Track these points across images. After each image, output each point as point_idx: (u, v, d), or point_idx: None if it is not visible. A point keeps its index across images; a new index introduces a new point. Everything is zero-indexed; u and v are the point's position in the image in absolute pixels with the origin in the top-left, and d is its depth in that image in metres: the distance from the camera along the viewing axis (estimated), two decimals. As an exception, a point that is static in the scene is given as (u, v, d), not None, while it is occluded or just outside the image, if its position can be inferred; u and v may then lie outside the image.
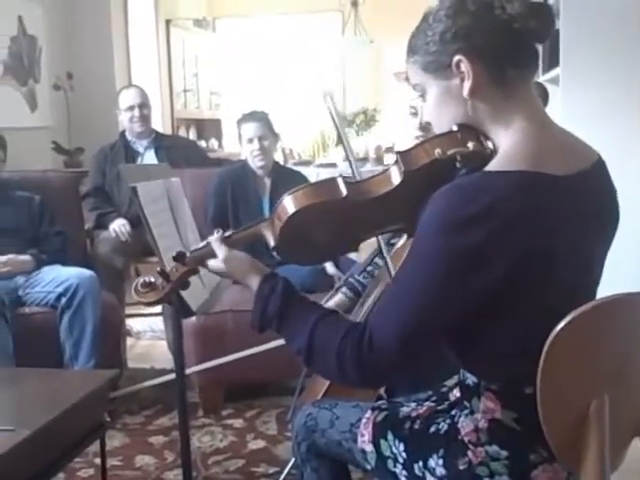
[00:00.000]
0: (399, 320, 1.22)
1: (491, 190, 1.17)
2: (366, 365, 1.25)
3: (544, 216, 1.20)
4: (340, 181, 1.40)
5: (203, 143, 7.28)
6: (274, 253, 1.47)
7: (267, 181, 3.65)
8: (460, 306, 1.21)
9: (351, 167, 1.91)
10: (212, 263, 1.51)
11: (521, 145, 1.25)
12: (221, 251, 1.48)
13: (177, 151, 4.37)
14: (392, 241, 2.35)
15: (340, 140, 1.94)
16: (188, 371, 2.69)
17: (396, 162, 1.37)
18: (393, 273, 1.89)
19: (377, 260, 2.36)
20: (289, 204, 1.40)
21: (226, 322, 3.15)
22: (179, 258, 1.54)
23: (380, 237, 2.01)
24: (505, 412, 1.32)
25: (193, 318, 2.97)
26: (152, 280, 1.53)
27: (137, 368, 3.81)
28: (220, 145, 7.90)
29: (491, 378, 1.32)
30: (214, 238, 1.50)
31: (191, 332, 3.10)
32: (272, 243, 1.45)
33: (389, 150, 6.46)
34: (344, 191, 1.39)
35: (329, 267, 3.44)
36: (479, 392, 1.34)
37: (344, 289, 2.46)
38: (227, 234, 1.51)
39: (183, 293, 1.99)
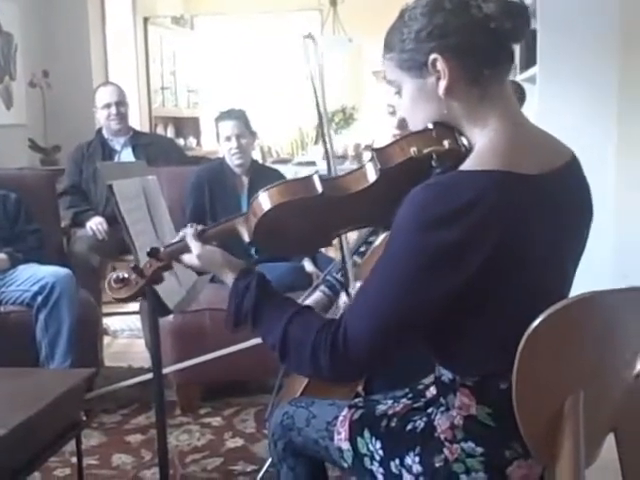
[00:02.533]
0: (373, 315, 1.23)
1: (465, 190, 1.18)
2: (340, 359, 1.26)
3: (517, 215, 1.20)
4: (316, 178, 1.41)
5: (181, 141, 7.26)
6: (252, 249, 1.48)
7: (245, 179, 3.64)
8: (434, 303, 1.22)
9: (327, 161, 1.92)
10: (186, 258, 1.51)
11: (494, 144, 1.26)
12: (195, 246, 1.49)
13: (155, 149, 4.36)
14: (370, 239, 2.35)
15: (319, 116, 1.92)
16: (165, 370, 2.68)
17: (372, 159, 1.37)
18: (352, 278, 1.88)
19: (355, 258, 2.36)
20: (264, 201, 1.40)
21: (203, 321, 3.15)
22: (153, 253, 1.54)
23: (345, 244, 2.01)
24: (480, 407, 1.33)
25: (170, 317, 2.96)
26: (125, 276, 1.54)
27: (114, 367, 3.78)
28: (198, 143, 7.88)
29: (466, 374, 1.33)
30: (188, 233, 1.50)
31: (168, 331, 3.08)
32: (247, 239, 1.46)
33: (368, 148, 6.48)
34: (320, 188, 1.39)
35: (307, 265, 3.44)
36: (454, 388, 1.35)
37: (322, 287, 2.46)
38: (201, 229, 1.51)
39: (160, 292, 1.98)
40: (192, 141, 7.74)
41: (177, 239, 1.55)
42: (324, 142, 2.02)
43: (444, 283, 1.20)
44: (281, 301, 1.40)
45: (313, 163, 6.31)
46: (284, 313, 1.35)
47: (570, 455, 1.23)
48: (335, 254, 4.24)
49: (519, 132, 1.29)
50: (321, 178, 1.41)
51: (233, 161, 3.60)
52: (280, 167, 4.60)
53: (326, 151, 1.97)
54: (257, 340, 2.63)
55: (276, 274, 3.11)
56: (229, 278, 1.44)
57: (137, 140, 4.43)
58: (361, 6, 7.69)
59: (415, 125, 1.35)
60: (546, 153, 1.31)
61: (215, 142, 3.79)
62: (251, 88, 8.27)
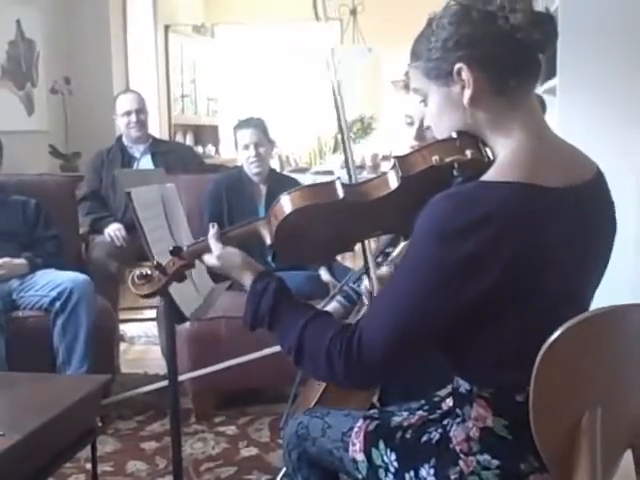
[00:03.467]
0: (388, 323, 1.24)
1: (485, 201, 1.18)
2: (354, 364, 1.27)
3: (537, 228, 1.20)
4: (338, 184, 1.43)
5: (200, 149, 7.29)
6: (270, 256, 1.50)
7: (263, 188, 3.66)
8: (451, 313, 1.22)
9: (347, 165, 1.93)
10: (207, 258, 1.54)
11: (518, 156, 1.26)
12: (216, 247, 1.52)
13: (174, 157, 4.39)
14: (387, 250, 2.34)
15: (342, 135, 1.95)
16: (181, 378, 2.68)
17: (394, 167, 1.39)
18: (376, 285, 1.92)
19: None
20: (286, 204, 1.43)
21: (220, 328, 3.15)
22: (176, 252, 1.57)
23: (369, 253, 2.02)
24: (496, 419, 1.32)
25: (187, 324, 2.97)
26: (149, 272, 1.57)
27: (130, 373, 3.80)
28: (217, 151, 7.92)
29: (483, 385, 1.32)
30: (211, 234, 1.53)
31: (184, 338, 3.09)
32: (268, 241, 1.49)
33: (386, 158, 6.48)
34: (341, 193, 1.42)
35: (324, 274, 3.44)
36: (471, 399, 1.34)
37: (339, 297, 2.45)
38: (223, 230, 1.54)
39: (176, 299, 2.00)
40: (211, 149, 7.77)
41: (200, 240, 1.58)
42: (344, 150, 2.03)
43: (460, 294, 1.20)
44: (298, 305, 1.42)
45: (331, 172, 6.31)
46: (301, 316, 1.37)
47: (587, 471, 1.22)
48: (352, 263, 4.24)
49: (543, 144, 1.29)
50: (343, 184, 1.44)
51: (251, 169, 3.61)
52: (298, 176, 4.61)
53: (346, 159, 1.97)
54: (273, 349, 2.64)
55: (292, 283, 3.10)
56: (247, 280, 1.47)
57: (156, 148, 4.46)
58: (381, 16, 7.69)
59: (440, 133, 1.36)
60: (571, 166, 1.30)
61: (234, 150, 3.81)
62: (270, 97, 8.29)
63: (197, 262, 1.60)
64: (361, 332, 1.27)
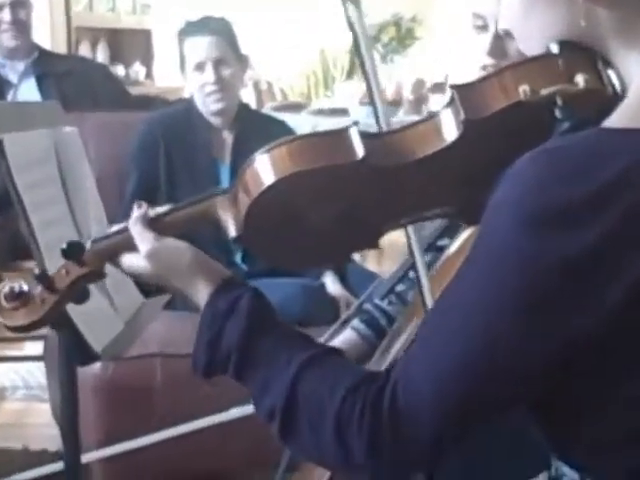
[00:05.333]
0: (445, 372, 1.24)
1: (609, 161, 1.18)
2: (385, 438, 1.26)
3: None
4: (354, 133, 1.42)
5: (121, 70, 7.34)
6: (236, 254, 1.50)
7: (228, 136, 3.73)
8: (547, 357, 1.22)
9: (374, 107, 1.93)
10: (128, 259, 1.53)
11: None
12: (144, 240, 1.50)
13: (76, 82, 4.51)
14: (440, 242, 2.34)
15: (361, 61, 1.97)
16: (86, 457, 2.67)
17: (451, 103, 1.38)
18: (429, 300, 1.92)
19: (414, 274, 2.36)
20: (265, 168, 1.43)
21: (152, 373, 3.20)
22: (72, 252, 1.55)
23: (413, 233, 2.02)
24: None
25: (96, 366, 2.98)
26: (25, 289, 1.55)
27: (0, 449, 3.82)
28: (149, 74, 7.99)
29: (601, 474, 1.32)
30: (134, 218, 1.51)
31: (92, 389, 3.11)
32: (233, 232, 1.49)
33: (438, 88, 6.49)
34: (360, 150, 1.41)
35: (331, 284, 3.45)
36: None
37: (356, 322, 2.46)
38: (156, 213, 1.54)
39: (79, 323, 1.98)
40: (139, 70, 7.84)
41: (115, 228, 1.58)
42: (364, 73, 2.02)
43: (567, 322, 1.20)
44: (288, 335, 1.43)
45: (344, 111, 6.36)
46: (292, 356, 1.37)
47: None
48: (376, 266, 4.25)
49: None
50: (363, 133, 1.43)
51: (208, 106, 3.68)
52: (288, 117, 4.65)
53: (369, 89, 1.96)
54: (243, 409, 2.64)
55: (278, 298, 3.10)
56: (202, 292, 1.46)
57: (46, 66, 4.58)
58: None
59: (530, 45, 1.36)
60: None
61: (178, 73, 3.87)
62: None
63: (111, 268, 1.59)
64: (396, 386, 1.26)
